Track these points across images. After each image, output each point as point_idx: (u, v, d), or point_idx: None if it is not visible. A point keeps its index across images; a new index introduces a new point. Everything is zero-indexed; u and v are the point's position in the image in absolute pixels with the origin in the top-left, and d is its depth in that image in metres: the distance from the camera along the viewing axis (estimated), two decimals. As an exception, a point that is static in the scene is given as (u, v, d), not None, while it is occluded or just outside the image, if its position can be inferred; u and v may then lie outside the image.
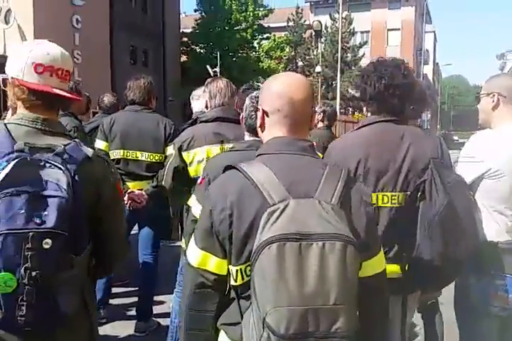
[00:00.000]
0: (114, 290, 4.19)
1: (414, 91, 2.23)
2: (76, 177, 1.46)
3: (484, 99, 2.35)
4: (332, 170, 1.40)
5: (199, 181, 2.40)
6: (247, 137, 2.30)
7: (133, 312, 3.85)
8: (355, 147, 2.09)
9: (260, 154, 1.47)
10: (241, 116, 2.32)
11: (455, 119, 74.70)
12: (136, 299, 3.82)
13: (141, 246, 3.74)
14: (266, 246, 1.21)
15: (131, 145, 3.55)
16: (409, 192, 2.02)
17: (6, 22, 18.15)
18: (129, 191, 3.54)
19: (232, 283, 1.39)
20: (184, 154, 2.83)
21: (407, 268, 2.00)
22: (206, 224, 1.41)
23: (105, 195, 1.59)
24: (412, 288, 2.05)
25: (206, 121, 2.88)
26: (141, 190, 3.57)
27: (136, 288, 3.88)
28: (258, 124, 1.52)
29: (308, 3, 42.52)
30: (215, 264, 1.40)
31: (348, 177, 1.40)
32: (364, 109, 2.30)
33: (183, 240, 2.99)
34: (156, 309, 3.85)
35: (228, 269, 1.40)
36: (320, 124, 4.88)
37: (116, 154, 3.56)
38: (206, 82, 3.07)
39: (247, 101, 2.27)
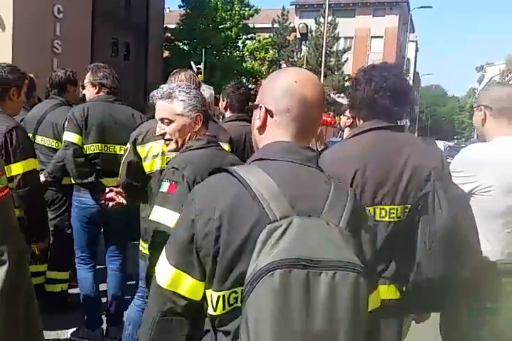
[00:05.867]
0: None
1: (409, 93, 2.07)
2: None
3: (475, 113, 2.27)
4: (338, 188, 1.19)
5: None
6: None
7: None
8: (352, 157, 1.91)
9: (258, 159, 1.23)
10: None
11: (431, 128, 75.80)
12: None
13: (109, 249, 3.50)
14: (266, 273, 0.99)
15: (109, 138, 3.30)
16: (409, 206, 1.87)
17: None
18: (107, 189, 3.29)
19: (211, 312, 1.14)
20: (139, 148, 2.66)
21: (404, 288, 1.83)
22: (185, 236, 1.16)
23: None
24: (409, 311, 1.89)
25: None
26: (117, 186, 3.32)
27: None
28: (257, 125, 1.27)
29: (294, 6, 42.51)
30: (189, 286, 1.16)
31: (356, 197, 1.21)
32: (357, 119, 2.14)
33: (141, 241, 2.80)
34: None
35: (204, 294, 1.16)
36: (347, 130, 4.60)
37: (94, 148, 3.29)
38: (170, 74, 2.93)
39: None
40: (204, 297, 1.16)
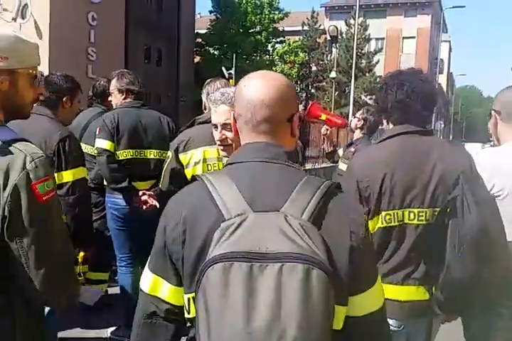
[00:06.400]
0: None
1: (437, 98, 2.12)
2: None
3: (491, 118, 2.26)
4: (309, 181, 1.15)
5: None
6: None
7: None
8: (381, 161, 1.97)
9: (228, 164, 1.25)
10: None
11: (466, 130, 74.23)
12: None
13: (144, 248, 3.59)
14: (208, 267, 0.99)
15: (139, 144, 3.43)
16: (438, 209, 1.90)
17: (23, 17, 18.22)
18: (140, 192, 3.41)
19: (186, 315, 1.16)
20: (181, 156, 2.76)
21: (434, 289, 1.88)
22: (159, 242, 1.19)
23: (10, 198, 1.29)
24: (439, 311, 1.92)
25: (204, 122, 2.79)
26: (149, 190, 3.45)
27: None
28: (233, 132, 1.32)
29: (324, 8, 42.41)
30: (167, 292, 1.18)
31: (331, 189, 1.14)
32: (384, 122, 2.18)
33: None
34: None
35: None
36: (357, 132, 4.64)
37: (126, 154, 3.42)
38: (205, 83, 3.01)
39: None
40: None
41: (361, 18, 28.79)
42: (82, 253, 2.98)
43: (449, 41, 56.40)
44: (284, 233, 1.02)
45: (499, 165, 2.07)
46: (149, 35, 24.65)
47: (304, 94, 30.56)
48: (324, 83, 30.63)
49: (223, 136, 2.22)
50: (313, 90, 31.97)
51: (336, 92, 26.23)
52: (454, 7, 35.84)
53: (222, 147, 2.24)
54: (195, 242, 1.11)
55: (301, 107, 23.35)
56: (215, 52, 30.98)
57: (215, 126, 2.25)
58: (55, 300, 1.43)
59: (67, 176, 2.72)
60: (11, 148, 1.33)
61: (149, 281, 1.21)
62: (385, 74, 2.24)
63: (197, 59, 30.86)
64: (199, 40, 30.83)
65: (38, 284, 1.31)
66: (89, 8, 20.12)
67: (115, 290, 3.98)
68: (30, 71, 1.51)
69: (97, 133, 3.44)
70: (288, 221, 1.05)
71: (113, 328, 3.50)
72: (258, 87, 1.22)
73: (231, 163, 1.24)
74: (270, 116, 1.21)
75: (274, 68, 29.87)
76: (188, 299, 1.14)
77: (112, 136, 3.37)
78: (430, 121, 2.15)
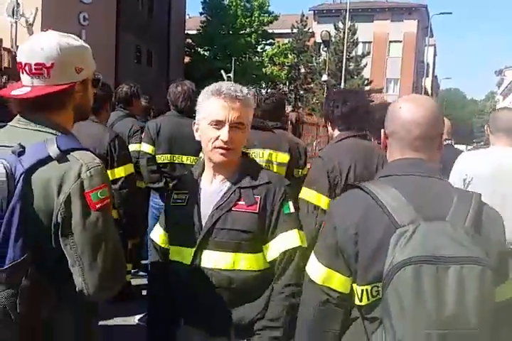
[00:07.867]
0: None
1: (372, 111, 2.79)
2: (21, 178, 1.28)
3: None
4: (463, 194, 1.37)
5: None
6: None
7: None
8: (344, 155, 2.59)
9: (384, 175, 1.45)
10: None
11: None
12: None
13: None
14: (400, 268, 1.20)
15: (177, 150, 3.76)
16: None
17: (14, 16, 18.18)
18: None
19: (357, 302, 1.38)
20: None
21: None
22: (330, 241, 1.42)
23: (64, 205, 1.31)
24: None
25: None
26: None
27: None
28: (382, 146, 1.56)
29: (312, 12, 42.76)
30: (339, 282, 1.40)
31: (480, 201, 1.36)
32: (330, 128, 2.80)
33: None
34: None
35: (352, 288, 1.40)
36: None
37: (163, 158, 3.78)
38: None
39: None
40: (351, 290, 1.40)
41: (349, 22, 29.16)
42: (133, 241, 3.24)
43: (434, 45, 57.19)
44: (455, 239, 1.23)
45: (474, 160, 2.89)
46: (140, 36, 24.69)
47: (293, 96, 30.85)
48: (313, 85, 30.97)
49: (231, 138, 1.71)
50: (302, 92, 32.29)
51: (326, 94, 26.52)
52: (441, 13, 36.23)
53: (223, 151, 1.73)
54: (369, 244, 1.34)
55: (289, 108, 23.61)
56: (205, 53, 31.15)
57: (218, 123, 1.72)
58: (106, 296, 1.46)
59: (120, 172, 3.02)
60: (68, 156, 1.35)
61: (322, 274, 1.42)
62: (329, 92, 2.73)
63: (187, 59, 30.99)
64: (189, 40, 30.97)
65: (90, 286, 1.35)
66: (81, 8, 20.15)
67: (139, 281, 4.19)
68: (95, 75, 1.56)
69: (143, 137, 3.88)
70: (455, 229, 1.25)
71: (141, 315, 3.70)
72: (414, 108, 1.43)
73: (386, 176, 1.44)
74: (425, 134, 1.42)
75: (263, 69, 30.15)
76: (362, 290, 1.35)
77: (153, 141, 3.77)
78: (366, 129, 2.80)
